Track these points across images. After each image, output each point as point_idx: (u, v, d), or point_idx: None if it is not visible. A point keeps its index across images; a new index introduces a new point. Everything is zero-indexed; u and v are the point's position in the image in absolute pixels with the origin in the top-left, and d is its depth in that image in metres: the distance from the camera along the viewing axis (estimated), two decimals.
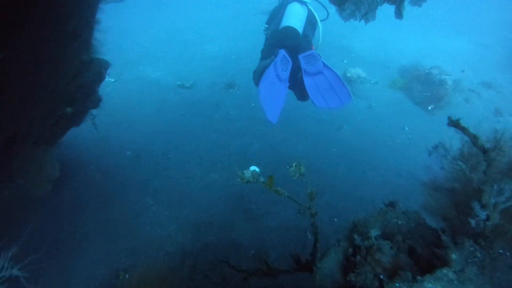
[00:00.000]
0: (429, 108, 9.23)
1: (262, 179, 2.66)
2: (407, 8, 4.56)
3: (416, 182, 6.90)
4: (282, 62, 4.11)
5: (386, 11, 4.96)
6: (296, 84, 4.62)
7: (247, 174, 2.58)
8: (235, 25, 15.03)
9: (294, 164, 2.79)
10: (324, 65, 4.05)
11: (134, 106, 8.48)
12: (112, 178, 5.99)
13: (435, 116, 9.13)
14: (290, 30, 4.58)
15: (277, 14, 5.16)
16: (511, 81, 10.25)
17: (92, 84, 4.61)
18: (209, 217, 5.56)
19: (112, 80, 9.58)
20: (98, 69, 4.41)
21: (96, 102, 5.14)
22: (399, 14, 4.46)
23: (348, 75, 10.44)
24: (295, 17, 4.67)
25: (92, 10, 4.09)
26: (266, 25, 5.38)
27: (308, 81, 4.14)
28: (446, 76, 9.45)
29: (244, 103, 9.02)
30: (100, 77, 4.64)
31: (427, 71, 10.00)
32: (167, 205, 5.66)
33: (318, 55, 4.13)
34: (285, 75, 4.17)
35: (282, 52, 4.14)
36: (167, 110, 8.42)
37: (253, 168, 2.56)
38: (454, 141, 8.36)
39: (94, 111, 5.68)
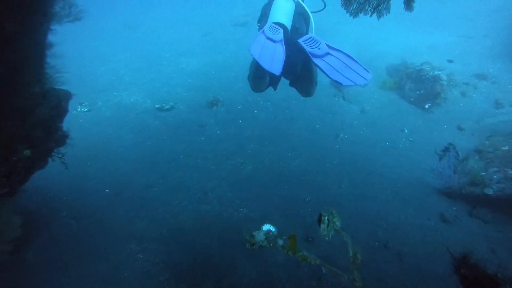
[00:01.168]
0: (426, 106, 8.71)
1: (280, 242, 1.93)
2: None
3: (429, 190, 6.29)
4: (271, 29, 3.56)
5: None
6: (297, 80, 4.18)
7: (259, 237, 1.87)
8: (210, 40, 14.46)
9: (326, 217, 2.02)
10: (329, 46, 3.47)
11: (111, 136, 7.71)
12: (89, 223, 5.19)
13: (433, 114, 8.61)
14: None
15: (266, 11, 4.53)
16: (504, 70, 9.84)
17: (51, 120, 3.86)
18: (205, 258, 4.80)
19: (85, 110, 8.80)
20: (56, 102, 3.67)
21: (60, 139, 4.38)
22: (408, 6, 3.95)
23: None
24: (281, 12, 4.07)
25: (40, 32, 3.37)
26: (258, 24, 4.72)
27: (320, 63, 3.46)
28: (439, 72, 8.96)
29: (230, 120, 8.34)
30: (60, 111, 3.90)
31: (418, 68, 9.52)
32: (155, 250, 4.88)
33: (319, 38, 3.55)
34: (278, 37, 3.50)
35: (270, 23, 3.64)
36: (147, 137, 7.68)
37: (267, 227, 1.84)
38: (459, 140, 7.83)
39: (63, 149, 4.92)
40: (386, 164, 6.90)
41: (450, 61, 10.35)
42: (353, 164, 6.90)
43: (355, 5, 2.86)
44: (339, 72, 3.44)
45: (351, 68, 3.42)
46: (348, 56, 3.44)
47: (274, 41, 3.54)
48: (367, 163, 6.93)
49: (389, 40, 12.94)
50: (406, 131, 8.11)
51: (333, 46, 3.50)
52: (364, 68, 3.35)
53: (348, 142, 7.70)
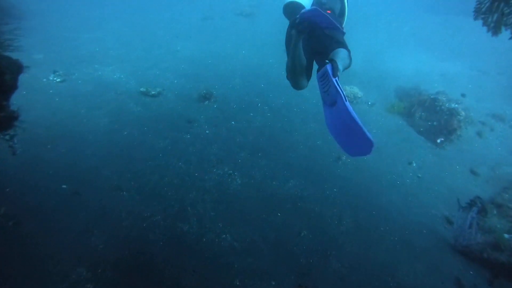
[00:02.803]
0: (438, 141, 7.94)
1: None
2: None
3: (442, 244, 5.47)
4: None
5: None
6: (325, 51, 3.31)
7: None
8: (211, 25, 13.36)
9: None
10: (336, 90, 2.73)
11: (82, 117, 6.58)
12: (29, 230, 4.09)
13: (445, 151, 7.84)
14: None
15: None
16: None
17: None
18: None
19: (58, 80, 7.61)
20: None
21: (6, 121, 3.30)
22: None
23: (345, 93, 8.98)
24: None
25: None
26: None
27: (329, 118, 2.99)
28: (456, 105, 8.21)
29: (222, 120, 7.34)
30: (2, 86, 2.81)
31: (432, 97, 8.75)
32: (111, 280, 3.84)
33: (332, 67, 2.83)
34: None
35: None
36: (125, 124, 6.59)
37: None
38: (472, 186, 7.08)
39: (17, 129, 3.83)
40: (392, 202, 6.06)
41: (463, 95, 9.62)
42: (355, 195, 6.02)
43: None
44: (339, 134, 3.02)
45: (351, 129, 2.75)
46: (348, 112, 2.63)
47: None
48: (371, 197, 6.08)
49: (399, 60, 12.18)
50: (415, 164, 7.31)
51: (340, 90, 2.74)
52: (367, 137, 2.57)
53: (351, 168, 6.83)
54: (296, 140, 7.31)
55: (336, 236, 5.07)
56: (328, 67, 2.98)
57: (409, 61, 12.25)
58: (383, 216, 5.65)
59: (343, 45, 3.43)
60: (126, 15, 13.00)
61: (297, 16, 3.03)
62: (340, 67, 3.07)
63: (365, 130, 2.61)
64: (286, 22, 4.30)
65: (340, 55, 3.17)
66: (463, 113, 8.02)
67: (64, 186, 4.83)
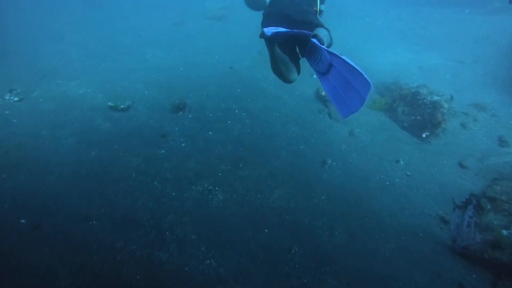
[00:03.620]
0: (424, 135, 7.71)
1: None
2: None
3: (440, 246, 5.14)
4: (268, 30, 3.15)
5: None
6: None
7: None
8: (182, 31, 12.88)
9: None
10: (329, 52, 3.06)
11: (44, 139, 6.03)
12: None
13: (431, 145, 7.61)
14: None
15: None
16: (500, 102, 9.09)
17: None
18: None
19: (15, 99, 7.02)
20: None
21: None
22: None
23: (323, 93, 8.70)
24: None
25: None
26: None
27: (326, 84, 3.24)
28: (438, 97, 8.00)
29: (198, 131, 6.90)
30: None
31: (413, 90, 8.54)
32: None
33: (317, 39, 3.12)
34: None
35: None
36: (93, 143, 6.07)
37: None
38: (462, 180, 6.85)
39: None
40: (383, 205, 5.75)
41: (452, 97, 9.38)
42: (345, 202, 5.69)
43: None
44: (341, 96, 3.17)
45: (352, 84, 3.02)
46: (348, 64, 2.93)
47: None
48: (362, 202, 5.75)
49: (376, 55, 11.99)
50: (402, 162, 7.04)
51: (333, 52, 3.05)
52: (365, 78, 2.82)
53: (337, 172, 6.51)
54: (278, 146, 6.94)
55: (329, 249, 4.71)
56: (314, 40, 3.15)
57: (386, 55, 12.08)
58: (376, 222, 5.33)
59: (320, 26, 3.55)
60: (91, 24, 12.38)
61: (266, 33, 3.07)
62: (324, 41, 3.24)
63: (363, 72, 2.83)
64: (258, 24, 3.93)
65: (321, 33, 3.28)
66: (446, 105, 7.82)
67: (22, 221, 4.31)
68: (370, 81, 2.84)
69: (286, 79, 3.87)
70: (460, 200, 5.36)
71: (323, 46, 3.12)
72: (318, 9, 4.34)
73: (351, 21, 15.14)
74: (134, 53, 10.26)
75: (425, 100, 8.09)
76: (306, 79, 9.51)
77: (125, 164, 5.68)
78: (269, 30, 3.10)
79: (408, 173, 6.77)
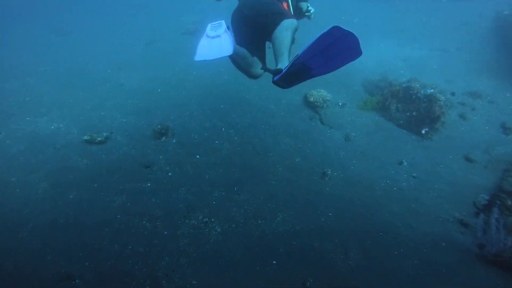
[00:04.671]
0: (423, 132, 7.32)
1: None
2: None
3: (467, 255, 4.68)
4: (211, 28, 3.57)
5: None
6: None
7: None
8: (155, 50, 12.35)
9: None
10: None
11: (14, 187, 5.40)
12: None
13: (433, 141, 7.22)
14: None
15: None
16: (494, 88, 8.82)
17: None
18: None
19: None
20: None
21: None
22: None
23: (311, 99, 8.27)
24: None
25: None
26: None
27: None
28: (432, 90, 7.64)
29: (184, 156, 6.36)
30: None
31: (405, 86, 8.17)
32: None
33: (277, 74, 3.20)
34: (221, 30, 3.49)
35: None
36: (70, 185, 5.47)
37: None
38: (471, 175, 6.43)
39: None
40: (396, 214, 5.29)
41: (453, 93, 9.05)
42: (354, 216, 5.21)
43: None
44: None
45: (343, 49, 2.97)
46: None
47: (218, 36, 3.46)
48: (372, 213, 5.28)
49: None
50: (405, 163, 6.62)
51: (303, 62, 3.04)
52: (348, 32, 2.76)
53: (340, 183, 6.04)
54: (273, 162, 6.45)
55: (347, 276, 4.20)
56: (276, 78, 3.16)
57: (368, 52, 11.75)
58: (391, 236, 4.85)
59: (281, 15, 3.59)
60: (60, 53, 11.73)
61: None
62: (285, 60, 3.33)
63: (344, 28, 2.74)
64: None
65: (283, 37, 3.43)
66: (442, 97, 7.45)
67: None
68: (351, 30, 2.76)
69: (249, 75, 3.95)
70: (475, 198, 4.94)
71: (286, 69, 3.04)
72: (289, 5, 4.38)
73: (327, 22, 14.82)
74: (108, 79, 9.67)
75: (418, 95, 7.72)
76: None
77: (108, 205, 5.09)
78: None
79: (414, 174, 6.34)
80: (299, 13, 4.95)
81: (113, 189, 5.42)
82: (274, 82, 3.21)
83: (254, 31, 3.94)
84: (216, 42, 3.44)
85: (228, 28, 3.55)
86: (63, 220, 4.77)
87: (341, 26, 2.72)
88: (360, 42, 2.74)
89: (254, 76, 3.92)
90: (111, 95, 8.65)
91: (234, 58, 3.73)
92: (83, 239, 4.50)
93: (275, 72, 3.20)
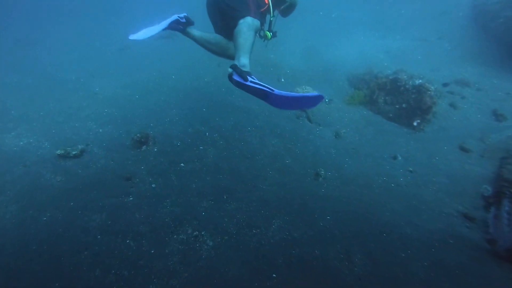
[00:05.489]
0: (415, 123, 7.09)
1: None
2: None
3: (477, 251, 4.42)
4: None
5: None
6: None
7: None
8: (130, 55, 11.83)
9: None
10: (258, 89, 3.52)
11: None
12: None
13: (426, 133, 7.00)
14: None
15: None
16: (479, 75, 8.70)
17: None
18: None
19: None
20: None
21: None
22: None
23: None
24: None
25: None
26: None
27: (272, 104, 3.68)
28: (421, 81, 7.42)
29: (167, 165, 5.93)
30: None
31: (391, 78, 7.93)
32: None
33: (236, 73, 3.56)
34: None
35: None
36: (42, 206, 4.97)
37: None
38: (469, 165, 6.17)
39: None
40: (397, 213, 5.00)
41: (445, 84, 8.87)
42: (354, 218, 4.89)
43: None
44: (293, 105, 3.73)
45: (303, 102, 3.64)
46: (293, 97, 3.40)
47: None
48: (372, 214, 4.97)
49: (339, 48, 11.42)
50: (400, 158, 6.36)
51: (262, 87, 3.41)
52: (316, 96, 3.36)
53: (335, 183, 5.72)
54: (262, 165, 6.08)
55: (354, 285, 3.86)
56: (235, 77, 3.32)
57: (350, 46, 11.55)
58: (396, 236, 4.55)
59: (247, 11, 3.85)
60: (27, 64, 11.07)
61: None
62: (244, 60, 3.56)
63: (309, 94, 3.31)
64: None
65: (246, 37, 3.72)
66: (432, 87, 7.24)
67: None
68: (320, 94, 3.27)
69: (228, 57, 4.24)
70: (478, 189, 4.69)
71: (248, 83, 3.36)
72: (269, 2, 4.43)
73: (306, 16, 14.58)
74: (80, 88, 9.13)
75: (407, 86, 7.49)
76: (275, 84, 8.72)
77: (86, 225, 4.62)
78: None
79: (411, 168, 6.09)
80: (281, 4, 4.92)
81: (91, 206, 4.94)
82: (229, 76, 3.43)
83: (223, 19, 4.17)
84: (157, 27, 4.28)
85: (181, 19, 4.43)
86: (35, 246, 4.27)
87: (323, 96, 3.27)
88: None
89: (230, 56, 4.24)
90: (85, 105, 8.12)
91: (207, 46, 4.32)
92: (59, 266, 4.02)
93: (235, 67, 3.45)
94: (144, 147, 6.38)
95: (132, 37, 4.60)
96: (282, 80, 9.24)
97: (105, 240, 4.39)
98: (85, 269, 3.98)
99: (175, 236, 4.50)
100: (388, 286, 3.83)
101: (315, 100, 3.46)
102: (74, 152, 6.11)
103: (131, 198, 5.15)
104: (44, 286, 3.76)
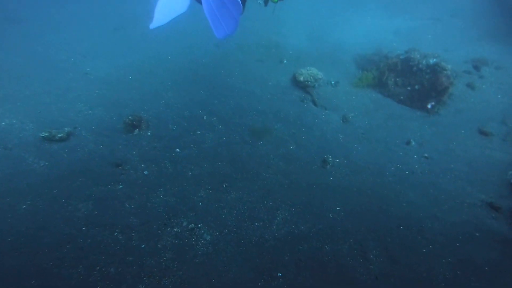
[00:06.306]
0: (429, 106, 6.57)
1: None
2: None
3: (509, 247, 4.02)
4: None
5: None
6: None
7: None
8: (124, 36, 11.21)
9: None
10: None
11: None
12: None
13: (441, 116, 6.49)
14: None
15: None
16: (497, 53, 8.16)
17: None
18: None
19: None
20: None
21: None
22: None
23: (301, 78, 7.41)
24: None
25: None
26: None
27: (206, 5, 3.34)
28: (435, 59, 6.87)
29: (162, 150, 5.43)
30: None
31: (402, 57, 7.38)
32: None
33: None
34: None
35: None
36: (22, 193, 4.48)
37: None
38: (490, 151, 5.66)
39: None
40: (414, 204, 4.53)
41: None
42: (367, 209, 4.42)
43: None
44: (217, 15, 3.35)
45: (226, 5, 3.32)
46: None
47: None
48: (387, 205, 4.50)
49: (346, 28, 10.83)
50: (414, 143, 5.88)
51: None
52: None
53: (344, 171, 5.24)
54: (265, 152, 5.59)
55: (371, 286, 3.41)
56: None
57: (356, 26, 10.95)
58: (415, 229, 4.09)
59: None
60: (14, 42, 10.45)
61: None
62: None
63: None
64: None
65: None
66: (448, 66, 6.69)
67: None
68: (240, 2, 3.18)
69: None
70: (504, 176, 4.22)
71: None
72: None
73: None
74: (71, 68, 8.55)
75: (420, 66, 6.95)
76: (277, 66, 8.21)
77: (70, 215, 4.14)
78: None
79: (426, 154, 5.61)
80: None
81: (77, 195, 4.46)
82: None
83: None
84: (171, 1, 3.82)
85: None
86: (11, 238, 3.80)
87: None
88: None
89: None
90: (75, 86, 7.57)
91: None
92: (39, 261, 3.56)
93: None
94: (136, 131, 5.87)
95: (153, 26, 4.19)
96: (285, 61, 8.68)
97: (91, 233, 3.93)
98: (67, 265, 3.52)
99: (168, 229, 4.04)
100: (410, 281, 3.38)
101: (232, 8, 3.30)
102: (60, 135, 5.59)
103: (121, 186, 4.67)
104: (18, 284, 3.30)
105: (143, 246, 3.80)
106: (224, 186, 4.75)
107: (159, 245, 3.81)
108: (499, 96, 6.73)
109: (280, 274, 3.52)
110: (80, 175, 4.84)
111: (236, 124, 6.27)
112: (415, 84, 6.89)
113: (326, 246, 3.84)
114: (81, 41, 10.60)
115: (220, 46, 9.34)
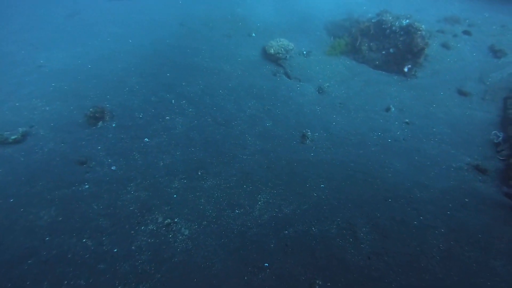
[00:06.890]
0: (406, 69, 6.34)
1: None
2: None
3: (500, 212, 3.86)
4: None
5: None
6: None
7: None
8: (79, 22, 10.46)
9: None
10: None
11: None
12: None
13: (419, 79, 6.27)
14: None
15: None
16: (471, 10, 7.92)
17: None
18: None
19: None
20: None
21: None
22: None
23: (272, 51, 7.02)
24: None
25: None
26: None
27: None
28: (408, 20, 6.60)
29: (129, 141, 5.02)
30: None
31: (375, 20, 7.07)
32: None
33: None
34: None
35: None
36: None
37: None
38: (470, 111, 5.50)
39: None
40: (400, 173, 4.33)
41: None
42: (352, 183, 4.19)
43: None
44: None
45: None
46: None
47: None
48: (373, 177, 4.28)
49: None
50: (393, 109, 5.66)
51: None
52: None
53: (324, 144, 4.98)
54: (240, 131, 5.26)
55: (365, 267, 3.19)
56: None
57: None
58: (404, 200, 3.89)
59: None
60: None
61: None
62: None
63: None
64: None
65: None
66: (422, 26, 6.43)
67: None
68: None
69: None
70: (482, 135, 4.06)
71: None
72: None
73: None
74: (21, 62, 7.88)
75: (393, 28, 6.67)
76: (245, 40, 7.78)
77: (31, 225, 3.74)
78: None
79: (407, 120, 5.41)
80: None
81: (37, 201, 4.05)
82: None
83: None
84: None
85: None
86: None
87: None
88: None
89: None
90: (28, 80, 6.96)
91: None
92: None
93: None
94: (100, 123, 5.42)
95: None
96: (253, 34, 8.24)
97: (56, 242, 3.55)
98: (29, 284, 3.16)
99: (142, 228, 3.70)
100: (404, 266, 3.19)
101: None
102: (13, 137, 5.09)
103: (87, 186, 4.27)
104: None
105: (115, 250, 3.46)
106: (199, 173, 4.42)
107: (133, 247, 3.48)
108: (474, 54, 6.57)
109: (267, 264, 3.27)
110: (39, 178, 4.40)
111: (207, 105, 5.89)
112: (390, 47, 6.62)
113: (313, 228, 3.60)
114: (31, 31, 9.83)
115: (184, 24, 8.80)
